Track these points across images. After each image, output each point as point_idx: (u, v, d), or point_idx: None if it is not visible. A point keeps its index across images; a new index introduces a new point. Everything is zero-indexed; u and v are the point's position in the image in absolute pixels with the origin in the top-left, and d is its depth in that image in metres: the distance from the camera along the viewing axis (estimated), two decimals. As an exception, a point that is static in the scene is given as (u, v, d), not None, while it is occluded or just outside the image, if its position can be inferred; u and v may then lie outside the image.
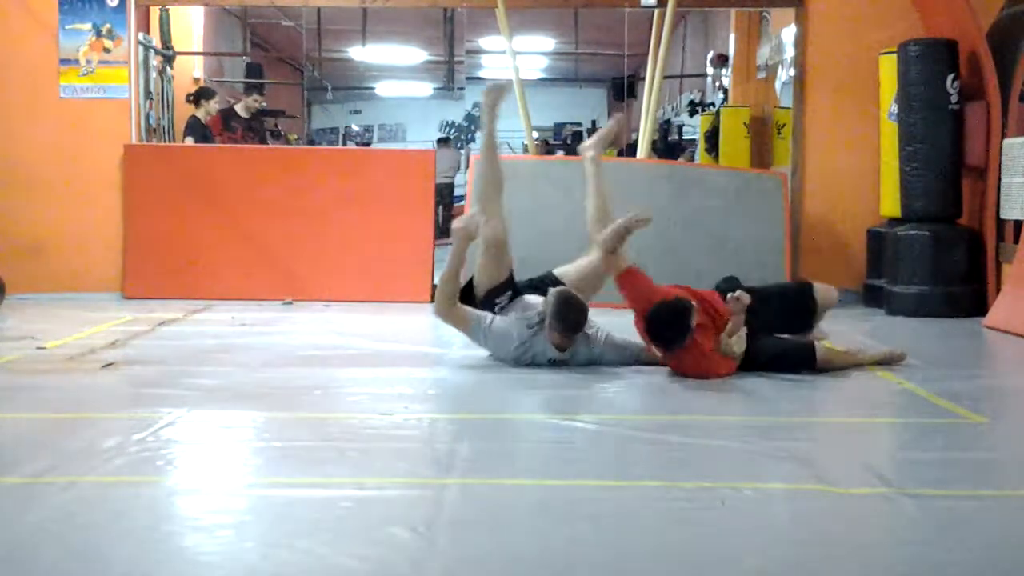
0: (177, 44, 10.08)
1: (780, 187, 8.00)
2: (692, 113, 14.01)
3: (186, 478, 3.40)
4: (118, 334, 6.21)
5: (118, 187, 8.26)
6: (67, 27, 8.26)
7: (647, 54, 8.74)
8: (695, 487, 3.18)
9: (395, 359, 5.53)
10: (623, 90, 18.47)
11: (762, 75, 11.43)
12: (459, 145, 16.96)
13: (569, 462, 3.55)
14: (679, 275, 7.88)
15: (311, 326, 6.76)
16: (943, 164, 7.53)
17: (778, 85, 10.57)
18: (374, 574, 2.54)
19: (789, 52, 9.23)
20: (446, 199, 14.94)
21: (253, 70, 12.84)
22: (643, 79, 9.42)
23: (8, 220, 8.23)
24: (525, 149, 9.16)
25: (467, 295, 5.37)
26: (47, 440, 3.71)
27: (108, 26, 8.27)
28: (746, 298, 4.99)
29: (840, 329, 6.75)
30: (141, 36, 8.59)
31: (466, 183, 8.93)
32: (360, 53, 16.65)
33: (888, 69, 7.90)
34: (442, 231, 9.32)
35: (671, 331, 4.87)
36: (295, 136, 15.32)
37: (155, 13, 9.26)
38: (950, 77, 7.50)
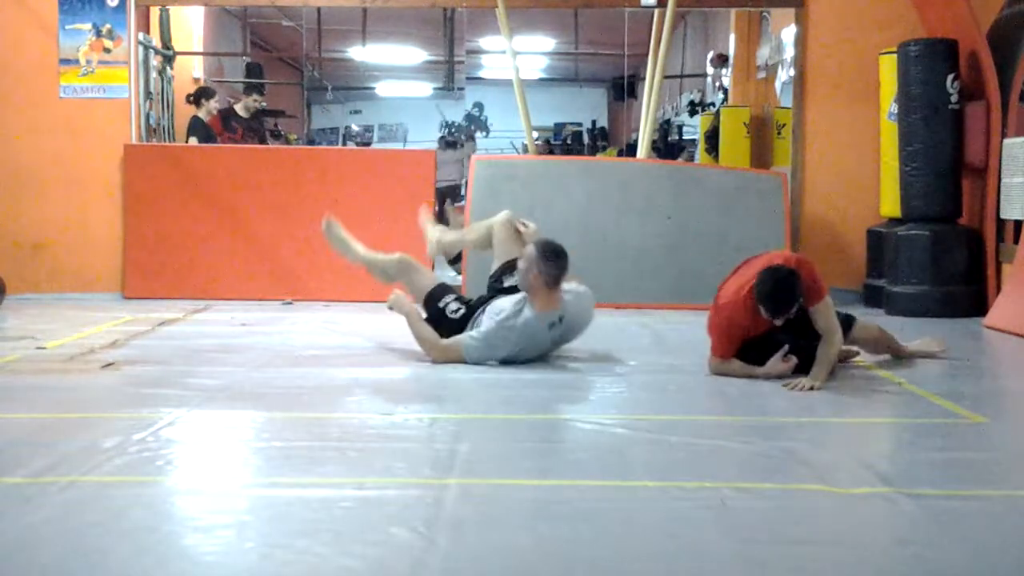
0: (177, 44, 10.07)
1: (780, 187, 8.00)
2: (692, 113, 14.01)
3: (186, 478, 3.40)
4: (118, 334, 6.21)
5: (118, 187, 8.26)
6: (67, 27, 8.27)
7: (647, 54, 8.74)
8: (695, 487, 3.18)
9: (395, 359, 5.53)
10: (623, 90, 18.48)
11: (762, 75, 11.44)
12: (459, 144, 16.95)
13: (569, 462, 3.55)
14: (679, 275, 7.93)
15: (311, 326, 6.77)
16: (943, 164, 7.53)
17: (778, 85, 10.58)
18: (374, 574, 2.54)
19: (789, 52, 9.23)
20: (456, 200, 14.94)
21: (253, 70, 12.84)
22: (643, 79, 9.42)
23: (8, 220, 8.24)
24: (525, 149, 9.15)
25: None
26: (47, 440, 3.70)
27: (108, 26, 8.28)
28: (793, 363, 4.87)
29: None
30: (141, 36, 8.59)
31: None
32: (360, 53, 16.64)
33: (888, 69, 7.90)
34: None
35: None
36: (295, 136, 15.32)
37: (155, 13, 9.26)
38: (950, 77, 7.51)
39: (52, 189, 8.29)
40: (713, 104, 13.38)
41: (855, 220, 8.30)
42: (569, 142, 20.43)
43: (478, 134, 19.91)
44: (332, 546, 2.68)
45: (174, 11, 9.87)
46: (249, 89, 10.87)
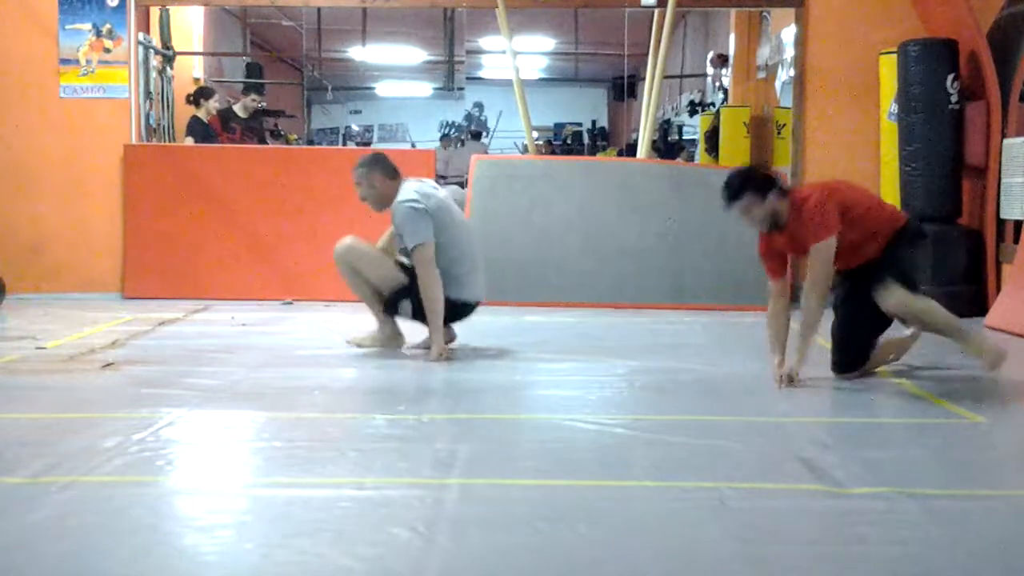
0: (177, 44, 10.08)
1: (780, 187, 7.99)
2: (692, 113, 14.02)
3: (186, 478, 3.40)
4: (118, 334, 6.21)
5: (118, 187, 8.26)
6: (67, 27, 8.27)
7: (647, 54, 8.75)
8: (695, 487, 3.18)
9: (395, 359, 5.53)
10: (623, 90, 18.50)
11: (762, 75, 11.44)
12: (460, 144, 16.96)
13: (569, 462, 3.55)
14: (679, 275, 7.93)
15: (311, 326, 6.77)
16: (943, 164, 7.53)
17: (778, 85, 10.58)
18: (374, 574, 2.54)
19: (789, 52, 9.24)
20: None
21: (253, 70, 12.85)
22: (643, 79, 9.43)
23: (8, 220, 8.25)
24: (525, 149, 9.16)
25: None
26: (47, 440, 3.70)
27: (108, 26, 8.28)
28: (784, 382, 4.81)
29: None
30: (141, 36, 8.59)
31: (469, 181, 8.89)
32: (360, 53, 16.65)
33: (888, 69, 7.90)
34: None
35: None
36: (295, 136, 15.33)
37: (155, 13, 9.26)
38: (950, 77, 7.51)
39: (52, 189, 8.30)
40: (713, 104, 13.39)
41: (855, 220, 8.28)
42: (569, 142, 20.45)
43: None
44: (332, 546, 2.68)
45: (174, 11, 9.87)
46: (247, 89, 10.87)
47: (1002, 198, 7.37)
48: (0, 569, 2.51)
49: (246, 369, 5.17)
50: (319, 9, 13.28)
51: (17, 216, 8.26)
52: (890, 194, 7.93)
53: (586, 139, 21.17)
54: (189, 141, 9.34)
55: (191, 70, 11.50)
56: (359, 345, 5.73)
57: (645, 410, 4.45)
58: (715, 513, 2.95)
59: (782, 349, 4.94)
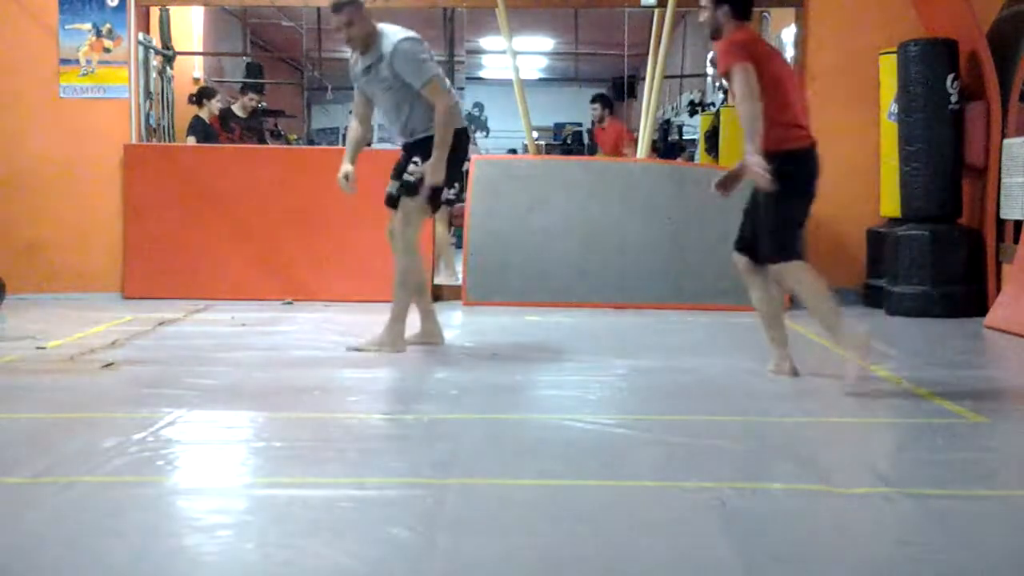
0: (177, 44, 10.08)
1: (780, 187, 7.99)
2: (692, 113, 14.01)
3: (186, 478, 3.40)
4: (118, 334, 6.21)
5: (118, 187, 8.26)
6: (67, 27, 8.27)
7: (647, 54, 8.74)
8: (695, 487, 3.18)
9: (394, 359, 5.53)
10: (623, 90, 18.48)
11: (762, 75, 11.42)
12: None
13: (569, 462, 3.55)
14: (679, 275, 7.93)
15: (311, 326, 6.76)
16: (943, 164, 7.53)
17: (778, 85, 10.56)
18: (374, 574, 2.54)
19: (789, 52, 9.23)
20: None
21: (253, 70, 12.85)
22: (643, 79, 9.42)
23: (8, 220, 8.24)
24: (525, 149, 9.15)
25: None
26: (47, 440, 3.71)
27: (108, 26, 8.28)
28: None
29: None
30: (141, 36, 8.59)
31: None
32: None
33: (888, 69, 7.90)
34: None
35: None
36: (295, 136, 15.32)
37: (155, 13, 9.26)
38: (950, 77, 7.51)
39: (52, 189, 8.29)
40: (713, 104, 13.39)
41: (855, 220, 8.30)
42: (569, 142, 20.43)
43: (478, 133, 19.87)
44: (332, 546, 2.68)
45: (174, 11, 9.88)
46: (245, 88, 10.87)
47: (1002, 198, 7.37)
48: (0, 569, 2.51)
49: (246, 369, 5.17)
50: (319, 9, 13.24)
51: (17, 216, 8.26)
52: (890, 194, 7.93)
53: (586, 139, 21.16)
54: (191, 140, 9.34)
55: (191, 70, 11.50)
56: (359, 349, 5.69)
57: (645, 410, 4.45)
58: (715, 513, 2.95)
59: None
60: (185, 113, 9.82)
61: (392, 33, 5.56)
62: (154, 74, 9.03)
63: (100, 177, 8.28)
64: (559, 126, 22.10)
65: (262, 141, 10.59)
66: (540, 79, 21.73)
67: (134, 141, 8.37)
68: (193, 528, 2.90)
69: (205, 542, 2.75)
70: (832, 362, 5.72)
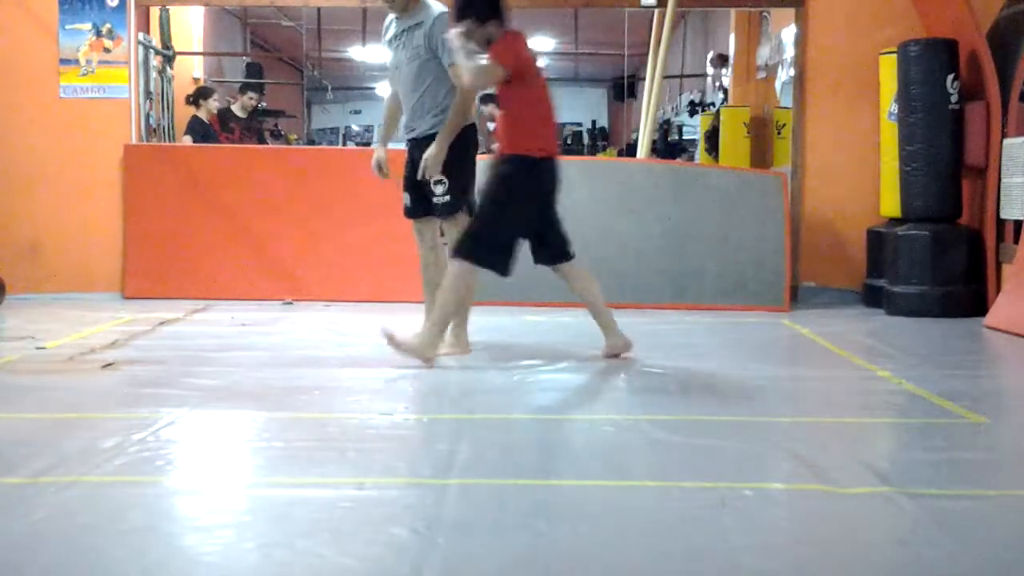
0: (177, 44, 10.08)
1: (780, 187, 8.01)
2: (692, 113, 14.02)
3: (186, 478, 3.40)
4: (118, 334, 6.21)
5: (118, 187, 8.26)
6: (67, 27, 8.27)
7: (647, 54, 8.75)
8: (695, 487, 3.18)
9: (395, 359, 5.53)
10: (623, 90, 18.49)
11: (762, 75, 11.44)
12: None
13: (569, 462, 3.55)
14: (679, 275, 7.93)
15: (311, 326, 6.76)
16: (943, 164, 7.53)
17: (778, 85, 10.58)
18: (374, 574, 2.54)
19: (789, 52, 9.23)
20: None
21: (253, 70, 12.86)
22: (643, 79, 9.43)
23: (8, 220, 8.24)
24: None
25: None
26: (47, 440, 3.71)
27: (108, 26, 8.28)
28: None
29: (840, 330, 6.78)
30: (141, 36, 8.59)
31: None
32: (360, 53, 16.65)
33: (888, 69, 7.90)
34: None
35: None
36: (295, 136, 15.32)
37: (155, 13, 9.26)
38: (950, 77, 7.51)
39: (52, 189, 8.29)
40: (713, 104, 13.39)
41: (855, 220, 8.30)
42: (569, 142, 20.42)
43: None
44: (332, 546, 2.68)
45: (174, 11, 9.88)
46: (244, 87, 10.87)
47: (1002, 198, 7.37)
48: (0, 569, 2.51)
49: (246, 369, 5.17)
50: (319, 9, 13.27)
51: (17, 216, 8.26)
52: (890, 194, 7.93)
53: (586, 139, 21.16)
54: (188, 140, 9.35)
55: (191, 70, 11.51)
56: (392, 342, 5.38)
57: (645, 410, 4.45)
58: (715, 513, 2.95)
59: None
60: (185, 113, 9.82)
61: (435, 2, 5.53)
62: (154, 74, 9.03)
63: (100, 177, 8.28)
64: (559, 126, 22.11)
65: (262, 141, 10.60)
66: (540, 79, 21.70)
67: (134, 141, 8.37)
68: (193, 528, 2.90)
69: (205, 542, 2.75)
70: (832, 362, 5.73)
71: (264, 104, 11.76)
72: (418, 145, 5.52)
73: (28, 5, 8.26)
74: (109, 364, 5.20)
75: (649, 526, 2.88)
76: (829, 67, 8.33)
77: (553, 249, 5.38)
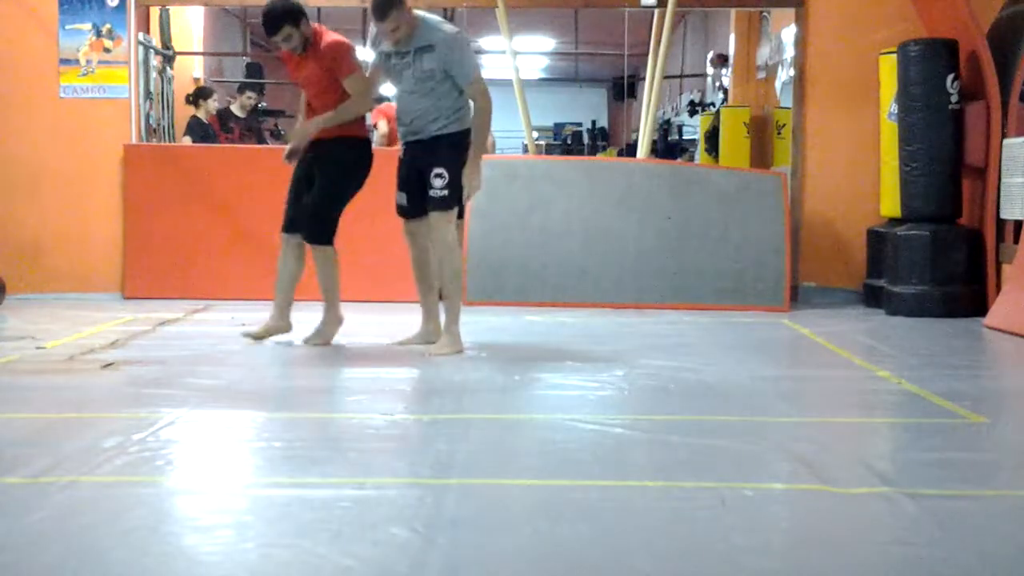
0: (177, 44, 10.08)
1: (780, 187, 8.01)
2: (692, 113, 14.02)
3: (186, 478, 3.40)
4: (118, 334, 6.21)
5: (118, 187, 8.26)
6: (67, 27, 8.27)
7: (647, 54, 8.74)
8: (695, 487, 3.18)
9: (394, 359, 5.53)
10: (623, 90, 18.49)
11: (762, 75, 11.44)
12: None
13: (569, 462, 3.55)
14: (679, 275, 7.93)
15: (311, 326, 6.75)
16: (943, 164, 7.53)
17: (778, 85, 10.58)
18: (374, 574, 2.54)
19: (789, 52, 9.23)
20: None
21: (253, 70, 12.85)
22: (643, 79, 9.43)
23: (8, 220, 8.24)
24: (525, 149, 9.16)
25: None
26: (47, 440, 3.70)
27: (108, 26, 8.28)
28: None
29: (840, 330, 6.78)
30: (141, 36, 8.59)
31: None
32: (360, 53, 16.63)
33: (888, 69, 7.90)
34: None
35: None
36: (295, 136, 15.28)
37: (155, 13, 9.26)
38: (950, 77, 7.51)
39: (52, 189, 8.29)
40: (713, 104, 13.39)
41: (855, 220, 8.30)
42: (569, 142, 20.43)
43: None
44: (332, 546, 2.68)
45: (174, 11, 9.87)
46: (244, 87, 10.86)
47: (1002, 198, 7.37)
48: (1, 568, 2.51)
49: (246, 369, 5.17)
50: (319, 9, 13.25)
51: (17, 216, 8.26)
52: (890, 194, 7.93)
53: (586, 139, 21.17)
54: (187, 141, 9.34)
55: (191, 70, 11.50)
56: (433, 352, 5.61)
57: (645, 410, 4.45)
58: (715, 513, 2.95)
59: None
60: (185, 113, 9.82)
61: (435, 22, 5.53)
62: (154, 74, 9.03)
63: (100, 177, 8.28)
64: (559, 126, 22.10)
65: (261, 140, 10.59)
66: (540, 79, 21.72)
67: (134, 141, 8.37)
68: (193, 528, 2.89)
69: (205, 542, 2.75)
70: (832, 362, 5.73)
71: (264, 104, 11.75)
72: (422, 146, 5.57)
73: (28, 5, 8.26)
74: (109, 364, 5.20)
75: (649, 526, 2.88)
76: (829, 67, 8.34)
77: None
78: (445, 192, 5.52)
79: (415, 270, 5.89)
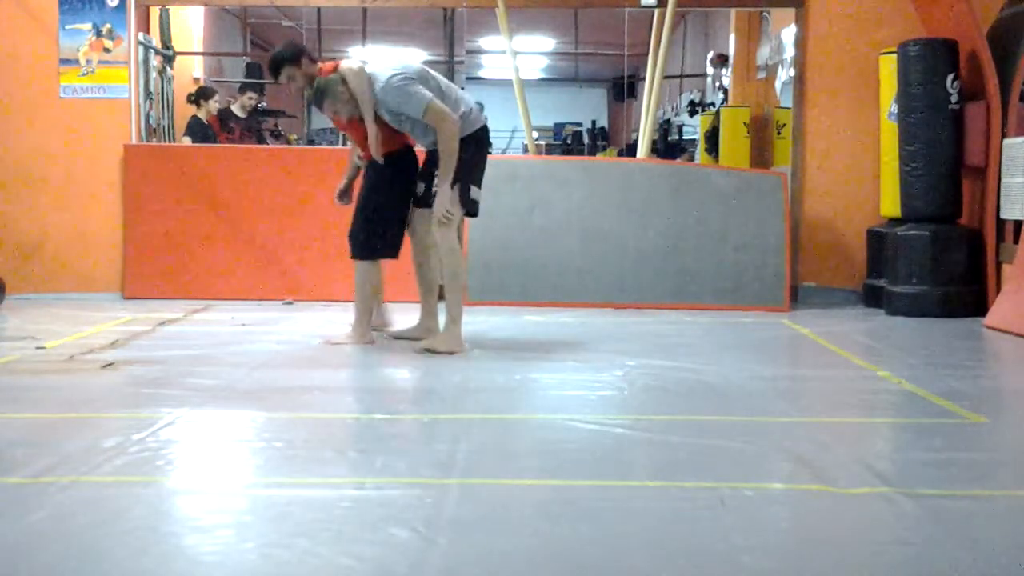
0: (177, 44, 10.07)
1: (780, 187, 8.01)
2: (692, 113, 14.01)
3: (186, 478, 3.40)
4: (118, 334, 6.21)
5: (118, 187, 8.26)
6: (67, 27, 8.27)
7: (647, 54, 8.74)
8: (695, 487, 3.18)
9: (395, 359, 5.53)
10: (623, 90, 18.48)
11: (762, 75, 11.44)
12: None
13: (569, 462, 3.55)
14: (679, 275, 7.93)
15: (311, 326, 6.76)
16: (943, 164, 7.53)
17: (778, 85, 10.58)
18: (374, 574, 2.54)
19: (789, 52, 9.23)
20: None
21: (253, 70, 12.84)
22: (643, 79, 9.42)
23: (8, 220, 8.25)
24: (525, 149, 9.16)
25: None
26: (47, 440, 3.70)
27: (108, 26, 8.28)
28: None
29: (840, 330, 6.78)
30: (141, 36, 8.59)
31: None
32: (360, 53, 16.64)
33: (888, 69, 7.90)
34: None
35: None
36: (295, 136, 15.30)
37: (155, 13, 9.25)
38: (950, 77, 7.51)
39: (52, 189, 8.30)
40: (713, 104, 13.38)
41: (855, 220, 8.30)
42: (569, 142, 20.41)
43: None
44: (332, 546, 2.68)
45: (174, 11, 9.87)
46: (244, 87, 10.85)
47: (1002, 198, 7.37)
48: (0, 569, 2.51)
49: (246, 369, 5.17)
50: (319, 9, 13.25)
51: (17, 216, 8.26)
52: (890, 194, 7.93)
53: (586, 139, 21.15)
54: (187, 141, 9.34)
55: (191, 70, 11.50)
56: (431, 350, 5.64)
57: (645, 410, 4.45)
58: (715, 513, 2.95)
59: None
60: (186, 113, 9.82)
61: (380, 75, 5.62)
62: (154, 74, 9.03)
63: (100, 177, 8.29)
64: (559, 126, 22.08)
65: (262, 141, 10.58)
66: (540, 79, 21.71)
67: (134, 141, 8.37)
68: (193, 528, 2.89)
69: (205, 542, 2.75)
70: (832, 362, 5.74)
71: (264, 104, 11.75)
72: (434, 153, 5.74)
73: (28, 5, 8.26)
74: (109, 364, 5.20)
75: (649, 526, 2.88)
76: (829, 67, 8.34)
77: None
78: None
79: (416, 270, 5.97)
